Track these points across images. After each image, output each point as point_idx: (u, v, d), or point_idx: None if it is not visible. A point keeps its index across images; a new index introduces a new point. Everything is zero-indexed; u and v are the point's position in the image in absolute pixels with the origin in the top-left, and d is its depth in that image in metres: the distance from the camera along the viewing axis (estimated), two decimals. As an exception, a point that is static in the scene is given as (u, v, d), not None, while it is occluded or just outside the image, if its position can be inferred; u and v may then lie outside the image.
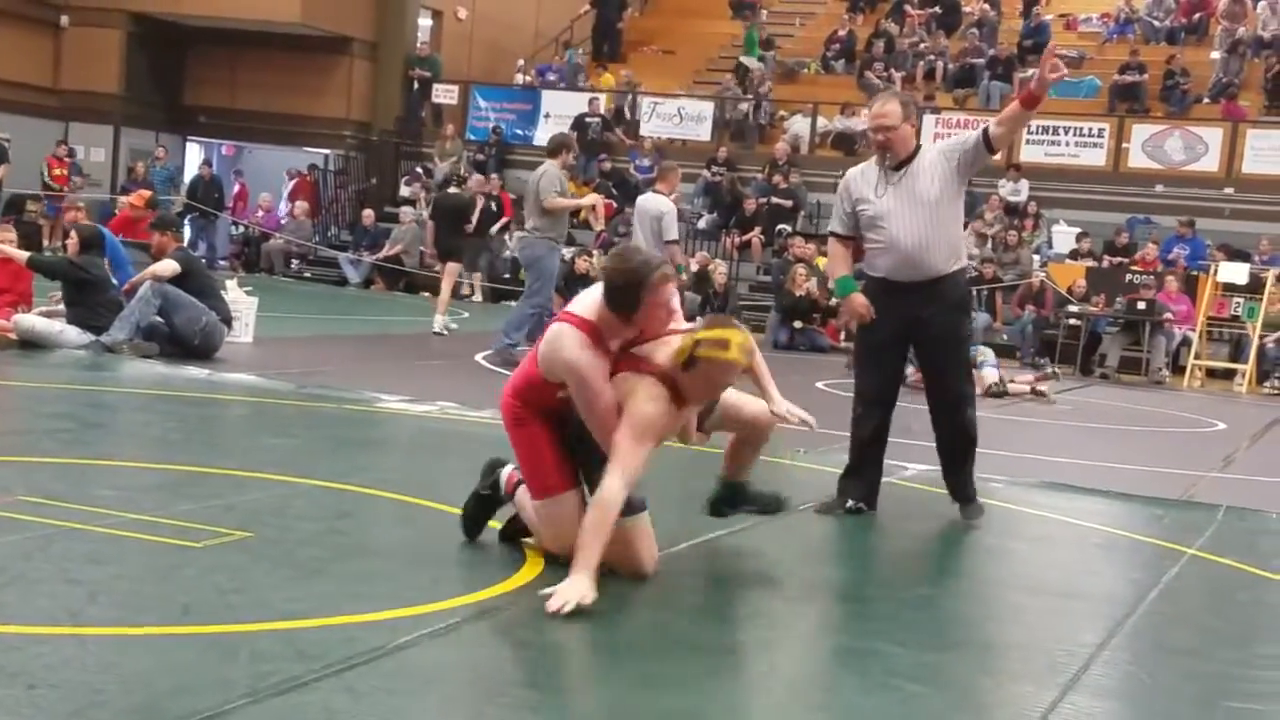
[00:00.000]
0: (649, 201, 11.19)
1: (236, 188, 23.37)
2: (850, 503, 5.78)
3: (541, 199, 10.87)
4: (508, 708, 3.12)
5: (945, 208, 5.64)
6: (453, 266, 14.08)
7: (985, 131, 5.64)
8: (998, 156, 21.99)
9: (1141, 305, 15.81)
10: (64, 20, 22.86)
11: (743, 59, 23.25)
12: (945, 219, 5.65)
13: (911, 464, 7.21)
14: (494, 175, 20.47)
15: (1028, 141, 20.59)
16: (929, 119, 21.30)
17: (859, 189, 5.74)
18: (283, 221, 22.13)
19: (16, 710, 2.77)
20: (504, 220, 19.36)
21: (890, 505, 6.27)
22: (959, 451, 5.89)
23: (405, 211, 20.64)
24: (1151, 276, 16.70)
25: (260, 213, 22.15)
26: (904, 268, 5.65)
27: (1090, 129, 20.46)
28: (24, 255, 9.64)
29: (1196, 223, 18.33)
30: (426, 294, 19.49)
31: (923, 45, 23.71)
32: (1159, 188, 19.72)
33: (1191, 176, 19.67)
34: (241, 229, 21.76)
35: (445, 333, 13.24)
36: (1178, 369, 15.99)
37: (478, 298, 19.24)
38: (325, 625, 3.53)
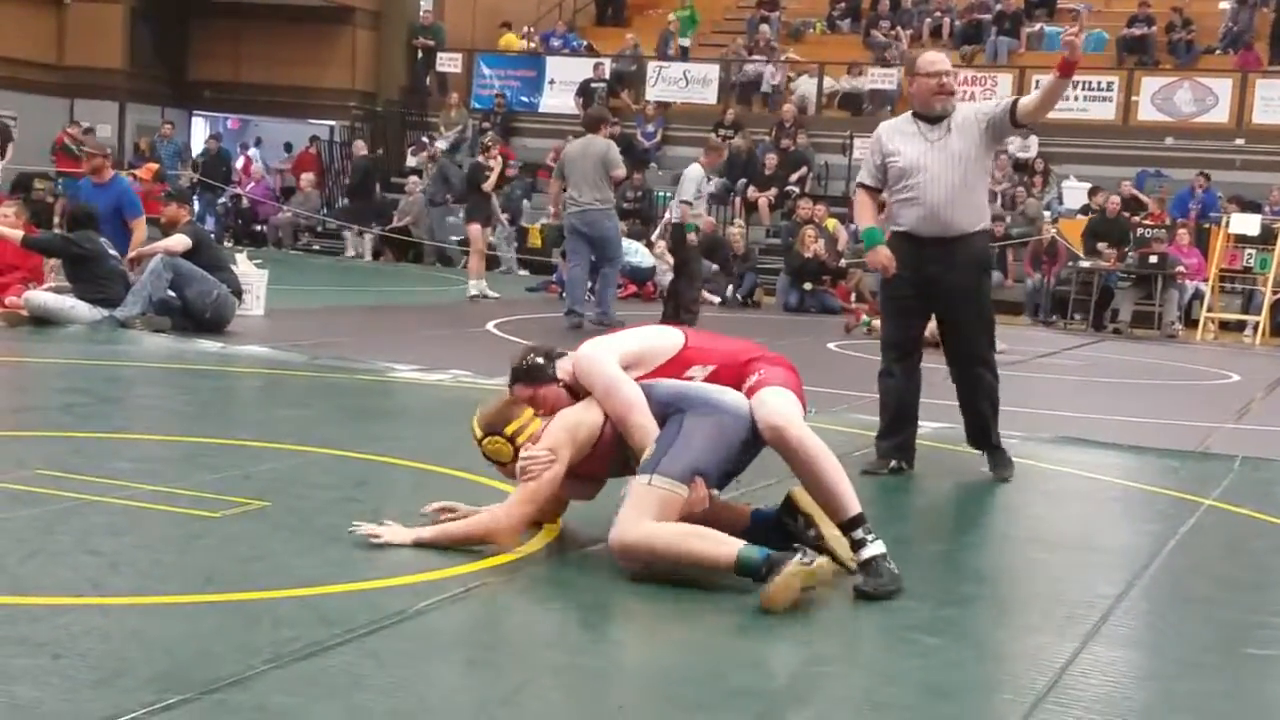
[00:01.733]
0: (690, 170, 12.38)
1: (242, 161, 23.34)
2: (893, 463, 5.86)
3: (612, 170, 11.66)
4: (530, 669, 3.13)
5: (975, 166, 5.67)
6: (475, 229, 14.42)
7: (1015, 102, 5.66)
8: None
9: (1153, 259, 15.75)
10: (67, -4, 22.81)
11: (682, 41, 23.05)
12: (974, 178, 5.70)
13: (927, 421, 7.21)
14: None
15: (1036, 97, 20.48)
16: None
17: (891, 142, 5.77)
18: (275, 192, 22.05)
19: (44, 679, 2.79)
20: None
21: (905, 462, 6.29)
22: (982, 409, 5.92)
23: (412, 182, 20.58)
24: (1162, 230, 16.62)
25: (250, 184, 22.01)
26: (930, 223, 5.68)
27: (1099, 83, 20.33)
28: (18, 235, 9.59)
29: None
30: (436, 263, 19.54)
31: (929, 2, 23.55)
32: (1169, 140, 19.60)
33: (1202, 128, 19.55)
34: (230, 201, 21.58)
35: (485, 298, 13.88)
36: (1190, 322, 15.95)
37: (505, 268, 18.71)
38: (346, 591, 3.55)
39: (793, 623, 3.76)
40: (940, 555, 4.55)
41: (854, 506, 4.01)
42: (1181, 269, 15.89)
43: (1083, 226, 16.99)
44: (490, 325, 11.26)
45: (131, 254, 9.83)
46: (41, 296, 9.37)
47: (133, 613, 3.29)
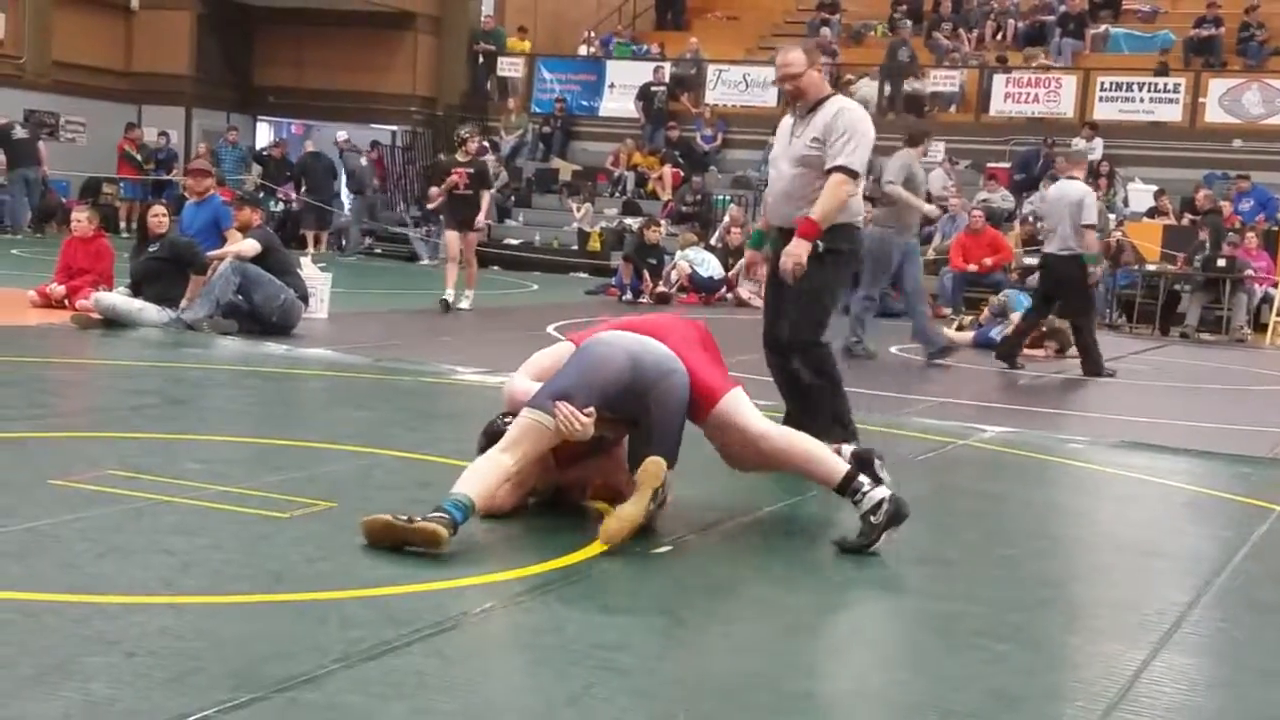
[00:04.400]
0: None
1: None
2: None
3: (883, 183, 10.48)
4: (593, 670, 3.14)
5: (817, 159, 5.65)
6: (450, 236, 12.87)
7: (834, 168, 5.57)
8: (1070, 114, 21.65)
9: (1221, 262, 15.53)
10: (134, 3, 23.16)
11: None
12: (815, 170, 5.66)
13: (990, 426, 7.16)
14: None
15: (1101, 99, 20.28)
16: (999, 78, 21.06)
17: (778, 132, 5.96)
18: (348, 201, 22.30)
19: (117, 677, 2.83)
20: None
21: (968, 466, 6.24)
22: (796, 397, 5.85)
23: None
24: (1233, 233, 16.38)
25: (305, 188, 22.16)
26: (772, 211, 5.90)
27: (1165, 84, 20.09)
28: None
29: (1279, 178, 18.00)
30: (496, 267, 19.65)
31: (992, 3, 23.36)
32: (1237, 143, 19.33)
33: (1270, 130, 19.26)
34: (282, 206, 21.76)
35: (456, 309, 12.42)
36: (1259, 326, 15.71)
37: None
38: (412, 591, 3.57)
39: (858, 626, 3.75)
40: (1008, 560, 4.50)
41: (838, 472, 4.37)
42: (1250, 272, 15.65)
43: (1151, 230, 16.80)
44: (550, 328, 11.29)
45: (210, 255, 9.97)
46: (111, 298, 9.51)
47: (204, 612, 3.33)
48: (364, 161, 21.55)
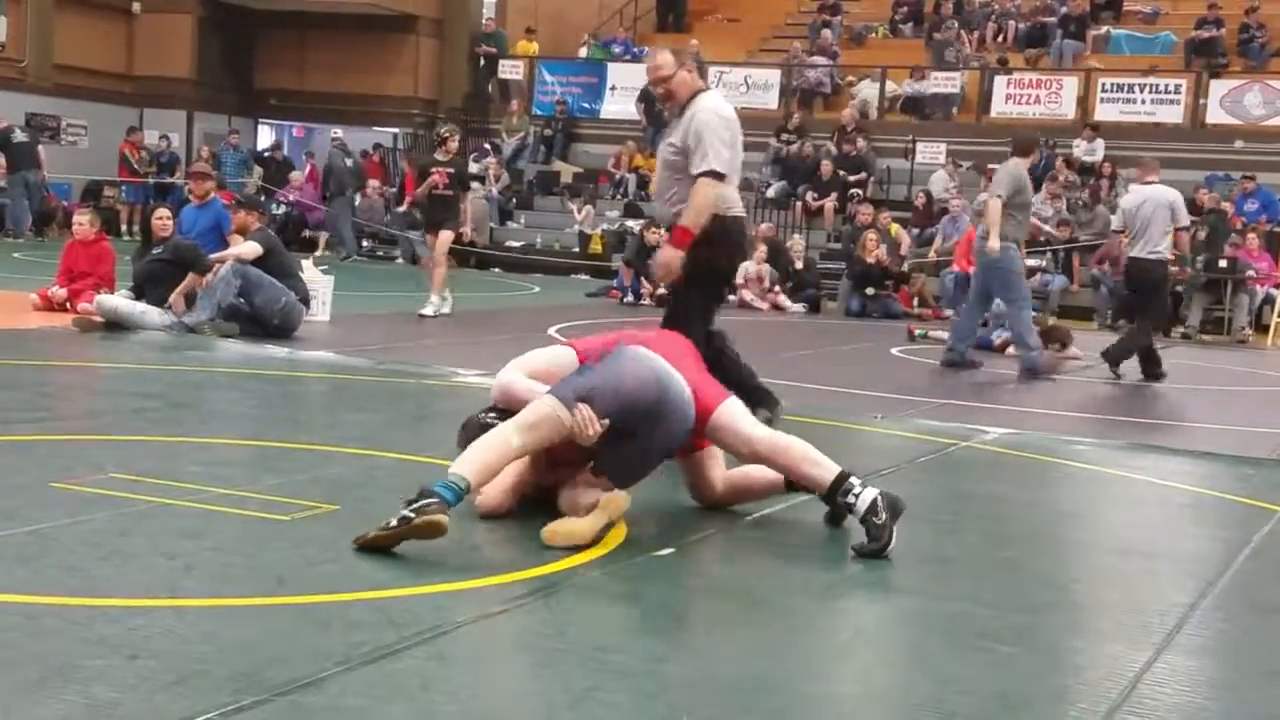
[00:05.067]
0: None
1: (308, 168, 23.59)
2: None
3: (991, 197, 10.19)
4: (596, 672, 3.13)
5: (677, 162, 5.80)
6: (440, 237, 12.16)
7: (700, 173, 5.67)
8: (1071, 115, 21.65)
9: (1223, 264, 15.52)
10: (136, 7, 23.19)
11: None
12: (675, 173, 5.82)
13: (993, 427, 7.16)
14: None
15: (1102, 100, 20.28)
16: (1000, 80, 21.05)
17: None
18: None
19: (120, 680, 2.83)
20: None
21: (972, 468, 6.24)
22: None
23: (474, 188, 20.71)
24: (1235, 234, 16.38)
25: (294, 192, 22.18)
26: (656, 207, 6.17)
27: (1167, 85, 20.08)
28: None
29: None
30: (497, 269, 19.65)
31: (993, 4, 23.36)
32: (1239, 144, 19.32)
33: (1272, 131, 19.26)
34: (283, 209, 21.65)
35: (435, 316, 11.91)
36: (1260, 327, 15.70)
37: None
38: (414, 594, 3.57)
39: (861, 628, 3.74)
40: (1011, 562, 4.50)
41: (830, 474, 4.43)
42: (1252, 273, 15.65)
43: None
44: (552, 330, 11.29)
45: (212, 257, 9.97)
46: (113, 301, 9.52)
47: (206, 615, 3.33)
48: (349, 162, 21.58)
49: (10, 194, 19.57)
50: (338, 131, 22.02)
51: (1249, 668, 3.52)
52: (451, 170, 12.16)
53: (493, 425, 4.30)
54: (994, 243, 9.86)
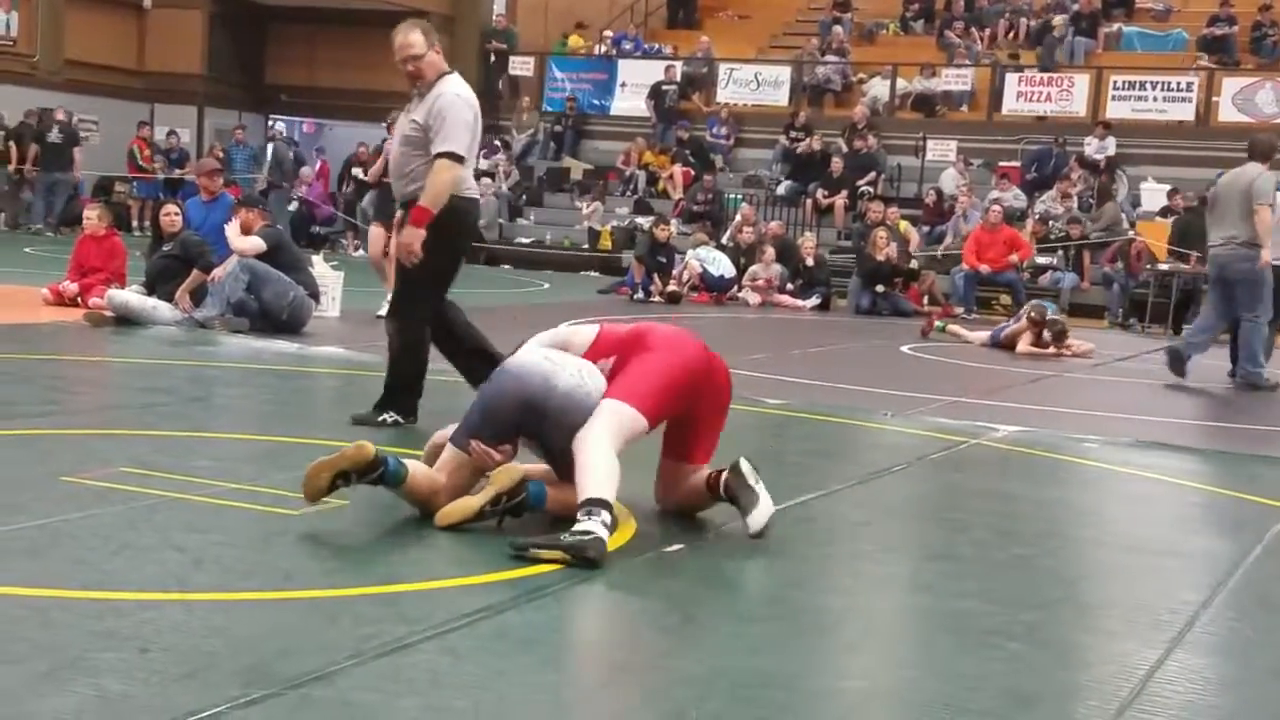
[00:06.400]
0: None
1: (319, 164, 23.60)
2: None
3: (1255, 205, 9.70)
4: (605, 668, 3.13)
5: (417, 139, 5.89)
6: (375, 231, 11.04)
7: (440, 154, 5.78)
8: (1082, 113, 21.56)
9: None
10: (147, 2, 23.23)
11: None
12: (415, 149, 5.91)
13: (1003, 425, 7.15)
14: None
15: (1114, 98, 20.23)
16: (1011, 77, 21.00)
17: None
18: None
19: (131, 673, 2.83)
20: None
21: (981, 465, 6.23)
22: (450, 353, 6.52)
23: (484, 183, 20.73)
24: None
25: (304, 188, 22.20)
26: (392, 185, 6.18)
27: (1178, 83, 20.03)
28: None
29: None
30: (507, 266, 19.66)
31: (1004, 1, 23.32)
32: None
33: (1284, 128, 19.21)
34: (295, 205, 21.65)
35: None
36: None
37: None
38: (424, 589, 3.58)
39: (871, 624, 3.74)
40: (1021, 560, 4.49)
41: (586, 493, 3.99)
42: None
43: (1163, 229, 16.75)
44: (563, 327, 11.28)
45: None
46: (124, 296, 9.54)
47: (216, 608, 3.33)
48: (291, 155, 21.79)
49: (36, 190, 19.88)
50: (281, 125, 22.14)
51: (1260, 666, 3.51)
52: None
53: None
54: (1268, 254, 9.56)
